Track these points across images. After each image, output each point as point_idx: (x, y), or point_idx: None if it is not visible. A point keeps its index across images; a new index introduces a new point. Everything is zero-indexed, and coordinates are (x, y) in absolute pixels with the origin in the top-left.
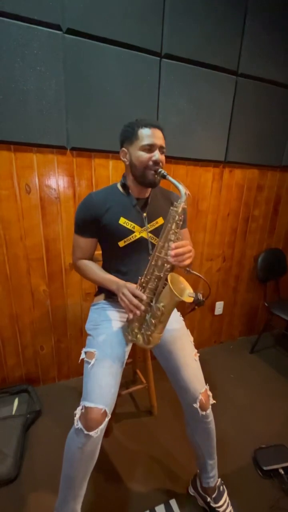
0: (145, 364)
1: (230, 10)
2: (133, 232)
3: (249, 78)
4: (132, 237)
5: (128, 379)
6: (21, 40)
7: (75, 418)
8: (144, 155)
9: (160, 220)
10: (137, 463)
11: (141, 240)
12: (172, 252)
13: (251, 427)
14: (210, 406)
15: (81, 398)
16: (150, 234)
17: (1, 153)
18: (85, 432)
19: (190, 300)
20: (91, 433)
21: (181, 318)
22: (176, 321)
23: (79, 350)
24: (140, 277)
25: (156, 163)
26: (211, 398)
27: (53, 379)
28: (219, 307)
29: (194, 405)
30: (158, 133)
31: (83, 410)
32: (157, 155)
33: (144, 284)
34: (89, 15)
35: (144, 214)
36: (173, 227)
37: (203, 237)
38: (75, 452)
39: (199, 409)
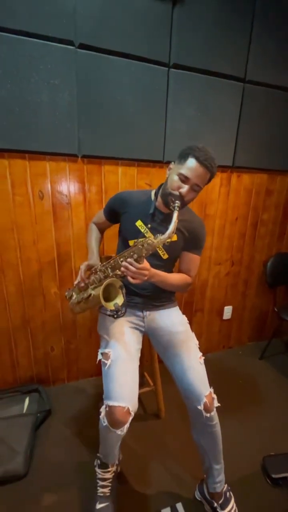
0: (152, 367)
1: (236, 18)
2: (145, 237)
3: (257, 84)
4: None
5: None
6: (36, 55)
7: (100, 416)
8: (176, 182)
9: (173, 237)
10: (144, 466)
11: None
12: (123, 269)
13: (260, 434)
14: (215, 409)
15: (104, 397)
16: (160, 246)
17: (16, 161)
18: (111, 429)
19: (110, 307)
20: (117, 431)
21: (186, 321)
22: (181, 324)
23: (88, 352)
24: (100, 263)
25: (181, 195)
26: (215, 401)
27: (63, 380)
28: (227, 311)
29: (199, 407)
30: (203, 172)
31: (107, 409)
32: (185, 189)
33: (97, 270)
34: (99, 30)
35: (149, 225)
36: (143, 253)
37: (211, 241)
38: (107, 435)
39: (203, 411)
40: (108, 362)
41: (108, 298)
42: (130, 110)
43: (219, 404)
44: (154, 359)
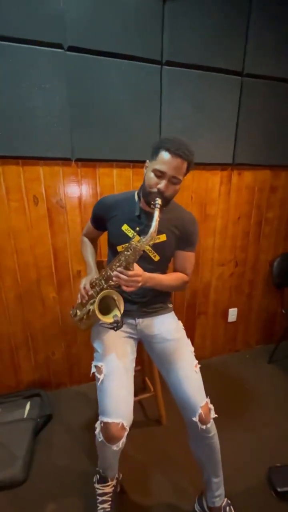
0: (152, 373)
1: (232, 10)
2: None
3: (255, 77)
4: None
5: (137, 386)
6: (26, 61)
7: (95, 432)
8: (153, 179)
9: (162, 237)
10: (143, 474)
11: None
12: (115, 278)
13: (266, 443)
14: (212, 420)
15: (99, 412)
16: (149, 248)
17: (10, 167)
18: (107, 444)
19: (108, 320)
20: (113, 446)
21: (182, 327)
22: (175, 330)
23: (89, 356)
24: (95, 276)
25: (160, 191)
26: (212, 412)
27: (65, 384)
28: (232, 313)
29: (194, 418)
30: (177, 162)
31: (102, 425)
32: (162, 184)
33: (93, 284)
34: (89, 31)
35: (137, 228)
36: (131, 258)
37: (212, 242)
38: (104, 450)
39: (198, 423)
40: (101, 377)
41: (107, 310)
42: (123, 110)
43: (216, 415)
44: (154, 365)
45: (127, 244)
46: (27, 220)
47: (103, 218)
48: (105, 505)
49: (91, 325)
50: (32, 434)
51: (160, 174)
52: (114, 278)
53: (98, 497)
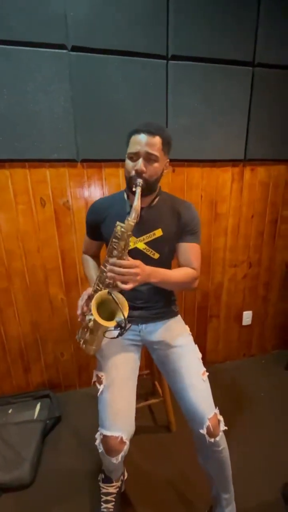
0: (161, 378)
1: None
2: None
3: (267, 67)
4: None
5: (148, 390)
6: (30, 64)
7: (96, 442)
8: (129, 164)
9: (158, 232)
10: (150, 485)
11: (136, 251)
12: (108, 268)
13: (282, 456)
14: (221, 433)
15: (99, 423)
16: (145, 246)
17: (17, 170)
18: (107, 456)
19: (111, 324)
20: (112, 459)
21: (188, 333)
22: (181, 336)
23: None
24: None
25: (138, 173)
26: (221, 424)
27: (74, 386)
28: (247, 317)
29: (201, 431)
30: (149, 139)
31: (101, 437)
32: (138, 164)
33: (92, 292)
34: (92, 30)
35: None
36: (121, 244)
37: (224, 242)
38: (105, 460)
39: (206, 436)
40: (101, 388)
41: (111, 316)
42: (129, 109)
43: (226, 428)
44: None
45: (113, 231)
46: (34, 222)
47: (97, 224)
48: (109, 505)
49: (97, 342)
50: (40, 436)
51: (134, 156)
52: (109, 274)
53: (102, 495)
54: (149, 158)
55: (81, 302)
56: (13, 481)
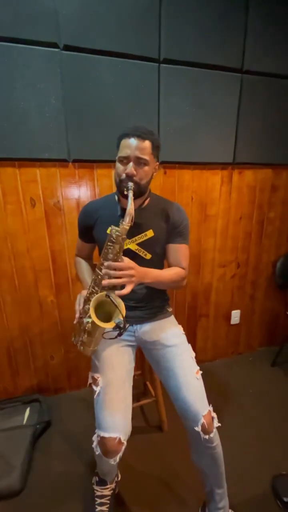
0: (152, 377)
1: (230, 7)
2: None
3: (255, 74)
4: None
5: (139, 390)
6: (20, 61)
7: (93, 445)
8: (119, 168)
9: (149, 233)
10: (143, 484)
11: (129, 252)
12: (104, 271)
13: (271, 450)
14: (215, 430)
15: (96, 425)
16: (137, 247)
17: (6, 169)
18: (104, 458)
19: (110, 326)
20: (110, 460)
21: (182, 332)
22: (175, 336)
23: (88, 361)
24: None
25: (129, 176)
26: (215, 421)
27: (64, 389)
28: (235, 316)
29: (196, 428)
30: (139, 143)
31: (98, 439)
32: (129, 167)
33: (87, 295)
34: (84, 30)
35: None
36: (116, 247)
37: (213, 243)
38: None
39: (201, 433)
40: (97, 389)
41: (108, 318)
42: (121, 110)
43: (219, 424)
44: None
45: (108, 235)
46: (24, 222)
47: (89, 227)
48: (103, 508)
49: (95, 343)
50: (30, 442)
51: (125, 160)
52: (104, 271)
53: (96, 498)
54: (139, 162)
55: (78, 306)
56: (2, 490)
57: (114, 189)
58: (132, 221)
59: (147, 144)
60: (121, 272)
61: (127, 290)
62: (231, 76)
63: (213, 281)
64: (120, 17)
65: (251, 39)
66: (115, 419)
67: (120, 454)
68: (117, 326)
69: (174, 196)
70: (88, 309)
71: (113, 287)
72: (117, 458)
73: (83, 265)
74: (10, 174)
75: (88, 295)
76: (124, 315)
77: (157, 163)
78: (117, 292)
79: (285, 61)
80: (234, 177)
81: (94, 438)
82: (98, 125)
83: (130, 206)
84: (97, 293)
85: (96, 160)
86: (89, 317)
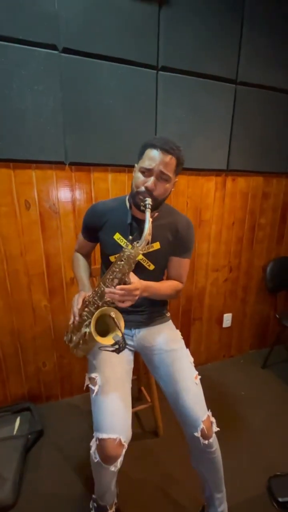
0: (149, 382)
1: (226, 19)
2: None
3: (249, 85)
4: None
5: (133, 396)
6: (18, 61)
7: (91, 451)
8: (140, 178)
9: (156, 245)
10: (139, 491)
11: None
12: (110, 296)
13: (265, 451)
14: (214, 434)
15: (93, 428)
16: (142, 257)
17: (1, 170)
18: (104, 465)
19: (108, 342)
20: (111, 467)
21: (180, 337)
22: (174, 341)
23: (82, 367)
24: (88, 294)
25: (147, 190)
26: (214, 425)
27: (56, 397)
28: (227, 319)
29: (196, 434)
30: (165, 157)
31: (97, 442)
32: (150, 181)
33: (87, 303)
34: (84, 33)
35: (130, 237)
36: (125, 268)
37: (207, 247)
38: (101, 472)
39: (201, 438)
40: (96, 389)
41: (106, 331)
42: (118, 114)
43: (218, 429)
44: (150, 374)
45: (120, 254)
46: (18, 225)
47: (95, 227)
48: None
49: (89, 350)
50: (22, 453)
51: (147, 172)
52: (107, 295)
53: None
54: (161, 178)
55: (76, 308)
56: None
57: (111, 193)
58: (147, 245)
59: (172, 160)
60: (126, 297)
61: (126, 304)
62: (225, 86)
63: (207, 285)
64: (120, 23)
65: (246, 51)
66: (115, 419)
67: (121, 459)
68: (115, 343)
69: (170, 201)
70: (86, 315)
71: (114, 303)
72: (118, 463)
73: (81, 262)
74: (4, 176)
75: (87, 303)
76: (122, 332)
77: (176, 179)
78: (118, 304)
79: (278, 75)
80: (227, 184)
81: (92, 443)
82: (95, 128)
83: (148, 230)
84: (96, 303)
85: (93, 163)
86: (87, 326)
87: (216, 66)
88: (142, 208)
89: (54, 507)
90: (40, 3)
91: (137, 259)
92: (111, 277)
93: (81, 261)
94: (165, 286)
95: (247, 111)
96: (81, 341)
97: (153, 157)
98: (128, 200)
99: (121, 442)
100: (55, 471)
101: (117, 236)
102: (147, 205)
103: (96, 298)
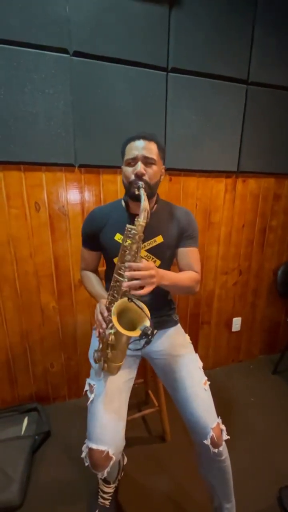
0: (156, 386)
1: (237, 19)
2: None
3: (260, 86)
4: None
5: (140, 399)
6: (29, 65)
7: (82, 455)
8: (128, 170)
9: (159, 239)
10: (145, 497)
11: None
12: (127, 273)
13: (275, 461)
14: (224, 443)
15: (86, 434)
16: (146, 253)
17: (11, 173)
18: (93, 470)
19: (136, 334)
20: (98, 474)
21: (189, 341)
22: (182, 345)
23: (89, 368)
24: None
25: (138, 175)
26: (224, 433)
27: (64, 398)
28: (236, 323)
29: (205, 441)
30: (145, 143)
31: (87, 450)
32: (138, 167)
33: (107, 305)
34: (94, 37)
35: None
36: (134, 247)
37: (216, 250)
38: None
39: (210, 446)
40: (91, 397)
41: (131, 327)
42: (128, 117)
43: (228, 437)
44: (159, 379)
45: (124, 235)
46: (27, 227)
47: (95, 234)
48: (106, 502)
49: (121, 359)
50: (29, 453)
51: (132, 162)
52: (127, 274)
53: (99, 490)
54: (148, 162)
55: (100, 316)
56: (1, 504)
57: (120, 195)
58: (148, 218)
59: (153, 145)
60: (142, 273)
61: (146, 290)
62: (236, 87)
63: (216, 288)
64: (130, 25)
65: (257, 51)
66: (105, 431)
67: (108, 469)
68: (143, 334)
69: (179, 203)
70: (110, 320)
71: (130, 292)
72: (105, 472)
73: (93, 279)
74: (15, 178)
75: (108, 304)
76: (149, 317)
77: (163, 166)
78: (135, 292)
79: None
80: (238, 185)
81: (84, 448)
82: (105, 131)
83: (144, 202)
84: (117, 301)
85: (102, 165)
86: (111, 328)
87: (227, 67)
88: (136, 192)
89: (60, 508)
90: (51, 7)
91: (142, 233)
92: (122, 264)
93: (92, 277)
94: (183, 275)
95: (258, 112)
96: (109, 350)
97: (135, 147)
98: (124, 199)
99: (108, 455)
100: (62, 472)
101: (118, 237)
102: (140, 185)
103: (115, 295)
